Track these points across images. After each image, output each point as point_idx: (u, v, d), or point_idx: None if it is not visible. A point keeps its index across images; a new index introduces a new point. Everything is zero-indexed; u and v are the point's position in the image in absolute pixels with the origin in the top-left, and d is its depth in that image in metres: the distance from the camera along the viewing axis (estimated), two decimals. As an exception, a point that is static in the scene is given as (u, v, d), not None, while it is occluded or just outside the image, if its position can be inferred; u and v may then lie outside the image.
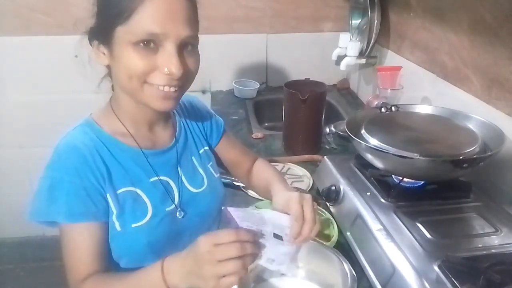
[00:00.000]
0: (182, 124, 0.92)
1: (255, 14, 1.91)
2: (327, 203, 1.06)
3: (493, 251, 0.79)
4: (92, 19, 0.73)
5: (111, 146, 0.78)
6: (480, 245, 0.80)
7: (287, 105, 1.35)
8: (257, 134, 1.53)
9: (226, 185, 1.19)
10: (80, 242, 0.72)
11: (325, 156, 1.17)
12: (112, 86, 0.83)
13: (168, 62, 0.69)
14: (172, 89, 0.72)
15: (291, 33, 1.97)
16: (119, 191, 0.76)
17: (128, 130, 0.80)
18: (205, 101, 1.91)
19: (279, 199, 0.77)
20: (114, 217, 0.75)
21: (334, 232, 0.94)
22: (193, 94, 0.98)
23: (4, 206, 2.07)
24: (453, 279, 0.70)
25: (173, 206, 0.83)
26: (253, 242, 0.64)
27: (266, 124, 1.83)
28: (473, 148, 0.90)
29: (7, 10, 1.75)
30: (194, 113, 0.96)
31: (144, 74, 0.70)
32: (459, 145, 0.92)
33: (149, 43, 0.68)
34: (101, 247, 0.74)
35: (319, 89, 1.33)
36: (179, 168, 0.87)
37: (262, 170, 0.99)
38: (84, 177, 0.72)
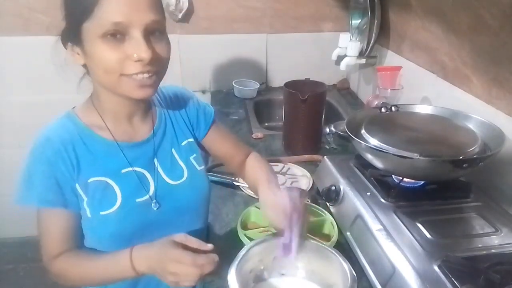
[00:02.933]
0: (163, 115, 0.91)
1: (255, 14, 1.91)
2: (327, 203, 1.06)
3: (493, 251, 0.79)
4: (63, 22, 0.74)
5: (86, 137, 0.81)
6: (480, 245, 0.80)
7: (287, 105, 1.35)
8: (257, 134, 1.53)
9: (226, 185, 1.19)
10: (51, 225, 0.80)
11: (325, 156, 1.17)
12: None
13: (136, 48, 0.70)
14: (146, 75, 0.73)
15: (291, 33, 1.97)
16: (89, 180, 0.79)
17: (105, 123, 0.82)
18: (205, 101, 1.91)
19: (268, 203, 0.81)
20: (84, 204, 0.79)
21: (334, 232, 0.94)
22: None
23: (4, 206, 2.06)
24: (453, 279, 0.70)
25: (147, 197, 0.84)
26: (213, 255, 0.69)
27: (266, 124, 1.83)
28: (473, 148, 0.90)
29: (7, 10, 1.75)
30: (178, 103, 0.95)
31: (118, 65, 0.71)
32: (459, 145, 0.92)
33: (116, 33, 0.69)
34: (70, 233, 0.80)
35: (319, 89, 1.33)
36: (155, 160, 0.87)
37: (252, 167, 0.98)
38: (55, 167, 0.77)
